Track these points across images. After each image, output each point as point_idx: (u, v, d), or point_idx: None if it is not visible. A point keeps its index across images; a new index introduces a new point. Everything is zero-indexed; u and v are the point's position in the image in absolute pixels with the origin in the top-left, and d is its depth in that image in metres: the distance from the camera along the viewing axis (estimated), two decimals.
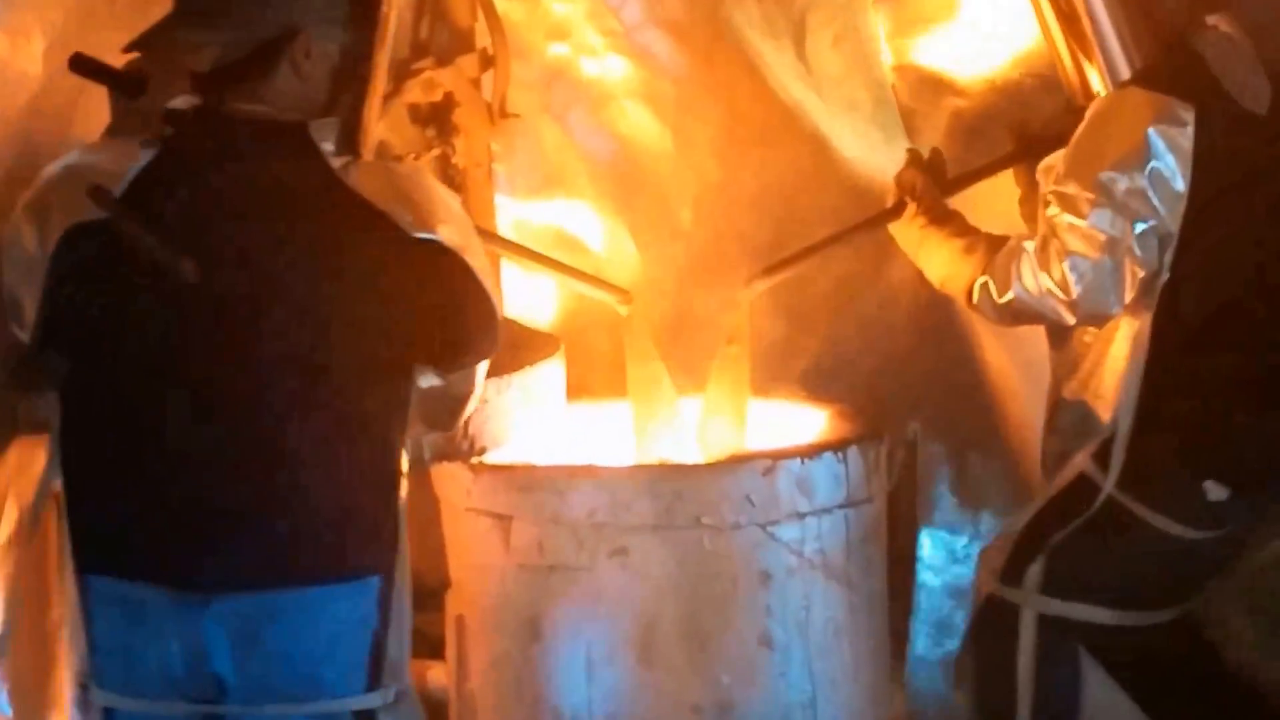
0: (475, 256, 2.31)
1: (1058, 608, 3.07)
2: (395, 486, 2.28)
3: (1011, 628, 3.09)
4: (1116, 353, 3.04)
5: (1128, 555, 3.06)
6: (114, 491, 2.20)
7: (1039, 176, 3.10)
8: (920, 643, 3.73)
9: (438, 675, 3.35)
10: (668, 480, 3.10)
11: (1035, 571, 3.08)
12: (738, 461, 3.18)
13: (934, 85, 3.72)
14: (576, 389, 3.36)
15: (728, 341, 3.34)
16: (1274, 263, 3.00)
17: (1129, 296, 2.94)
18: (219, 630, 2.17)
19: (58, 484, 2.81)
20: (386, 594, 2.25)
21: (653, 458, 3.32)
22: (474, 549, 3.14)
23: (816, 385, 3.57)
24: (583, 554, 3.07)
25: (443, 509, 3.21)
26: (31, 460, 2.77)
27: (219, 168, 2.22)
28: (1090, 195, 2.90)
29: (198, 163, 2.22)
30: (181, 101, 2.27)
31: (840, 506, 3.18)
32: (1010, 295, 2.98)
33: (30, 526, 2.79)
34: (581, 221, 3.45)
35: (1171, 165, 2.90)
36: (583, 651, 3.10)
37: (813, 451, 3.18)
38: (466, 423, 2.83)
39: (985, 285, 3.01)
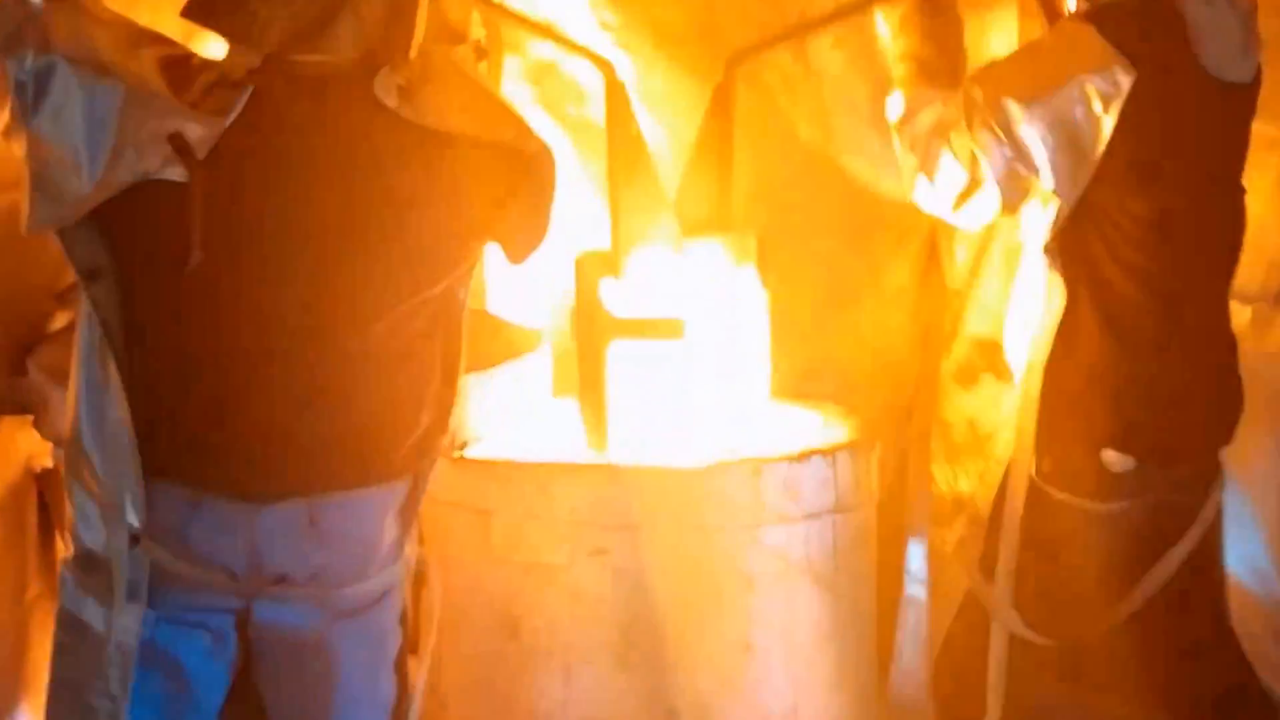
0: (546, 160, 2.51)
1: (1018, 626, 3.14)
2: (435, 400, 2.53)
3: (983, 638, 3.17)
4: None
5: (1062, 547, 3.11)
6: (175, 407, 2.41)
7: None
8: (906, 657, 3.74)
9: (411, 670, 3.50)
10: (651, 480, 3.19)
11: (1003, 587, 3.14)
12: (724, 464, 3.23)
13: None
14: (561, 384, 3.43)
15: (707, 118, 3.37)
16: (1182, 229, 3.02)
17: (967, 212, 3.01)
18: (273, 529, 2.43)
19: (38, 465, 3.04)
20: (416, 488, 2.55)
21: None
22: (452, 543, 3.21)
23: (808, 388, 3.61)
24: (563, 552, 3.16)
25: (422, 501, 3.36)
26: (13, 442, 2.91)
27: (293, 126, 2.37)
28: (986, 112, 2.93)
29: (271, 120, 2.36)
30: (242, 55, 2.38)
31: (829, 512, 3.25)
32: (896, 126, 3.09)
33: (10, 508, 2.93)
34: (574, 216, 3.56)
35: (1085, 127, 2.89)
36: (560, 651, 3.19)
37: (801, 455, 3.24)
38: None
39: (896, 97, 3.13)
